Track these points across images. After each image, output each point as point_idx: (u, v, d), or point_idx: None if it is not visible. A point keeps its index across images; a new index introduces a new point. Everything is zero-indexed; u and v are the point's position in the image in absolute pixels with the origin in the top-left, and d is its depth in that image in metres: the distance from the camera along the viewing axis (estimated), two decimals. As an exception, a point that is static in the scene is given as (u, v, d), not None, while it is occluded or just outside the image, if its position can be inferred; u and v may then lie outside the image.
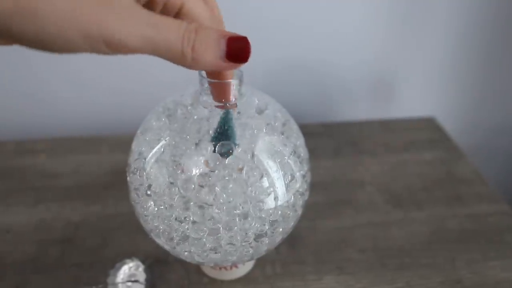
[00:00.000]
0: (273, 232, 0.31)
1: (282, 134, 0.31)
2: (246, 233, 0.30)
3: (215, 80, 0.28)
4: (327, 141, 0.60)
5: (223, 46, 0.20)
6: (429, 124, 0.65)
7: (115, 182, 0.52)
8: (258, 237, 0.31)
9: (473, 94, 0.72)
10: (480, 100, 0.72)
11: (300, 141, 0.33)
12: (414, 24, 0.63)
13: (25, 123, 0.62)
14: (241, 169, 0.29)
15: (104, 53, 0.19)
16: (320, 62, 0.64)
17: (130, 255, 0.41)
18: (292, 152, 0.31)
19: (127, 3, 0.19)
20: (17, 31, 0.18)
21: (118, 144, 0.58)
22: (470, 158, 0.59)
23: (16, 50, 0.57)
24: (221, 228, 0.29)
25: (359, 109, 0.70)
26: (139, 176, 0.30)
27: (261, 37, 0.60)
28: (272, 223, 0.31)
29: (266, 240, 0.31)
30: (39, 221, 0.46)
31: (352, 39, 0.63)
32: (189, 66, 0.21)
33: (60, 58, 0.58)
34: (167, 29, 0.20)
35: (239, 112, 0.30)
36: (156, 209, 0.29)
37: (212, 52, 0.20)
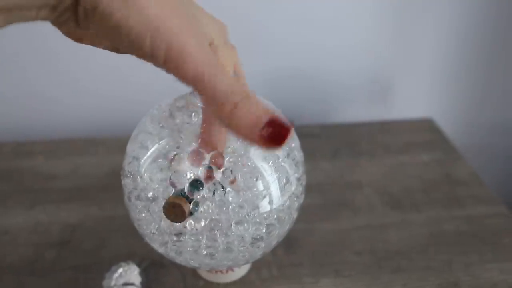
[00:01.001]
0: (268, 236, 0.31)
1: None
2: (242, 238, 0.30)
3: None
4: (325, 142, 0.60)
5: (265, 119, 0.20)
6: (427, 126, 0.64)
7: (112, 184, 0.52)
8: (254, 241, 0.31)
9: (471, 95, 0.71)
10: (478, 101, 0.72)
11: (295, 143, 0.33)
12: (411, 25, 0.63)
13: (23, 124, 0.62)
14: (233, 181, 0.28)
15: (156, 60, 0.20)
16: (318, 64, 0.64)
17: (126, 258, 0.41)
18: (286, 155, 0.31)
19: (202, 33, 0.21)
20: (107, 13, 0.19)
21: (116, 145, 0.58)
22: (468, 160, 0.59)
23: (14, 52, 0.58)
24: (217, 234, 0.29)
25: (357, 110, 0.69)
26: (133, 181, 0.30)
27: (260, 39, 0.60)
28: (268, 226, 0.31)
29: (262, 244, 0.31)
30: (36, 223, 0.46)
31: (350, 41, 0.63)
32: (225, 117, 0.20)
33: (59, 60, 0.58)
34: (222, 72, 0.20)
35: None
36: (149, 214, 0.29)
37: (252, 117, 0.20)
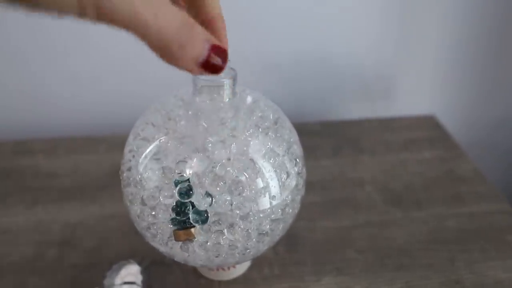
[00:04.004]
0: (272, 231, 0.31)
1: (275, 132, 0.31)
2: (248, 235, 0.30)
3: (208, 79, 0.28)
4: (326, 140, 0.60)
5: (205, 51, 0.20)
6: (429, 122, 0.64)
7: (113, 182, 0.51)
8: (259, 237, 0.30)
9: (474, 91, 0.71)
10: (480, 97, 0.72)
11: (293, 138, 0.33)
12: (412, 21, 0.63)
13: (22, 123, 0.62)
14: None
15: (89, 17, 0.18)
16: (318, 60, 0.64)
17: (127, 256, 0.41)
18: (286, 150, 0.31)
19: None
20: None
21: (117, 143, 0.58)
22: (470, 156, 0.59)
23: (14, 49, 0.57)
24: (225, 230, 0.29)
25: (358, 107, 0.69)
26: (133, 184, 0.30)
27: (259, 34, 0.60)
28: (272, 221, 0.31)
29: (267, 239, 0.31)
30: (36, 222, 0.46)
31: (350, 37, 0.62)
32: (168, 57, 0.20)
33: (59, 57, 0.58)
34: (166, 9, 0.19)
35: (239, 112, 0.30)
36: (150, 217, 0.29)
37: (196, 51, 0.20)
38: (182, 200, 0.27)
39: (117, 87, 0.61)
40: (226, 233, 0.29)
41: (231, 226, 0.29)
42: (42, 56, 0.57)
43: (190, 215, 0.27)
